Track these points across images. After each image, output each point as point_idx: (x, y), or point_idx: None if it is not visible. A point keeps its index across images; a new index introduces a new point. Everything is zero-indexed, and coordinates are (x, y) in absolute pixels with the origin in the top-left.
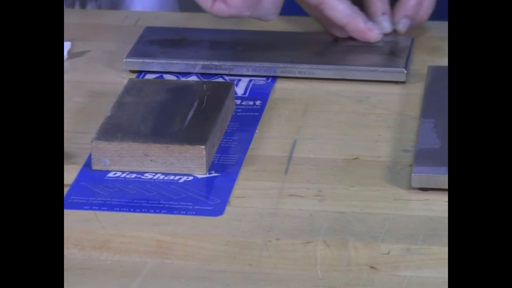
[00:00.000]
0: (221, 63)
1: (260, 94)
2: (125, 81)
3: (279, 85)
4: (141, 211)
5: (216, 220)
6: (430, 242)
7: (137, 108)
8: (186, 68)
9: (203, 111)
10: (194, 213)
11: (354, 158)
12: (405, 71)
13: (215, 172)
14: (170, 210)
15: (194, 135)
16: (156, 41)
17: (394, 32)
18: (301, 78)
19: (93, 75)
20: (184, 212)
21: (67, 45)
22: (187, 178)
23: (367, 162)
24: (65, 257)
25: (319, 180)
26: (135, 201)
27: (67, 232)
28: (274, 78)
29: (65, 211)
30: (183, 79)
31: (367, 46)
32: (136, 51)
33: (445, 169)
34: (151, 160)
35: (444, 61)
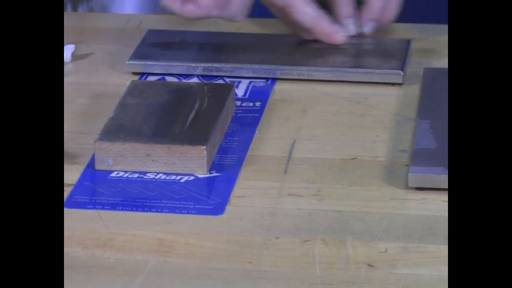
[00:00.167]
0: (222, 65)
1: (259, 96)
2: (127, 83)
3: (279, 86)
4: (143, 210)
5: (217, 219)
6: (426, 240)
7: (140, 109)
8: (188, 70)
9: (204, 112)
10: (195, 212)
11: (352, 158)
12: (402, 73)
13: (216, 172)
14: (172, 209)
15: (195, 135)
16: (158, 43)
17: (360, 34)
18: (300, 80)
19: (96, 77)
20: (186, 211)
21: (71, 48)
22: (189, 178)
23: (364, 162)
24: (68, 256)
25: (318, 180)
26: (138, 200)
27: (70, 231)
28: (274, 80)
29: (69, 210)
30: (184, 81)
31: (364, 49)
32: (138, 54)
33: (441, 169)
34: (153, 160)
35: (439, 63)
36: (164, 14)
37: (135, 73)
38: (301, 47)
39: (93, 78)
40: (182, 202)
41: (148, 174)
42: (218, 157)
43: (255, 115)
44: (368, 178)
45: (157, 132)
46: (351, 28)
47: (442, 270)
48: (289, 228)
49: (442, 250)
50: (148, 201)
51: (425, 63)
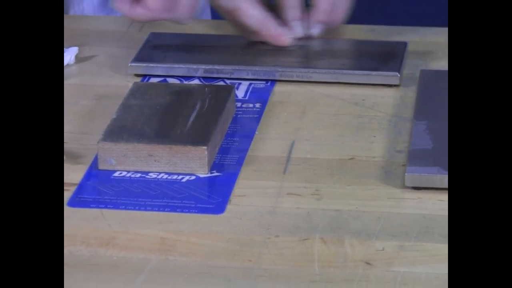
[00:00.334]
0: (222, 67)
1: (259, 97)
2: (130, 85)
3: (278, 88)
4: (145, 209)
5: (218, 218)
6: (423, 239)
7: (142, 110)
8: (189, 72)
9: (205, 113)
10: (196, 211)
11: (350, 159)
12: (399, 75)
13: (217, 172)
14: (174, 209)
15: (197, 136)
16: (160, 46)
17: (308, 36)
18: (299, 82)
19: (99, 79)
20: (187, 211)
21: (74, 50)
22: (190, 177)
23: (362, 162)
24: (72, 254)
25: (316, 179)
26: (140, 199)
27: (74, 230)
28: (273, 81)
29: (72, 209)
30: (186, 82)
31: (362, 51)
32: (141, 56)
33: (437, 169)
34: (155, 160)
35: (436, 65)
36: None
37: (137, 75)
38: (300, 50)
39: (96, 80)
40: (183, 201)
41: (150, 174)
42: (219, 157)
43: (255, 116)
44: (366, 178)
45: (159, 132)
46: (298, 30)
47: (438, 268)
48: (288, 227)
49: (438, 248)
50: (150, 200)
51: (422, 65)
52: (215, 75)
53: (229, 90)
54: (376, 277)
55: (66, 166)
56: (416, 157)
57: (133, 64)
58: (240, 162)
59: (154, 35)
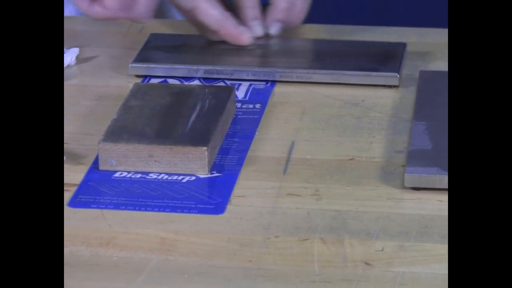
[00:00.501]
0: (223, 68)
1: (259, 98)
2: (130, 85)
3: (278, 89)
4: (146, 210)
5: (218, 218)
6: (422, 239)
7: (142, 111)
8: (189, 73)
9: (205, 114)
10: (196, 211)
11: (350, 159)
12: (398, 76)
13: (217, 172)
14: (174, 209)
15: (197, 137)
16: (160, 47)
17: (267, 35)
18: (299, 83)
19: (100, 79)
20: (187, 211)
21: (75, 51)
22: (190, 178)
23: (362, 162)
24: (72, 254)
25: (316, 180)
26: (140, 200)
27: (74, 230)
28: (273, 82)
29: (73, 210)
30: (186, 83)
31: (362, 52)
32: (141, 57)
33: (436, 169)
34: (155, 161)
35: (435, 66)
36: (166, 19)
37: (138, 76)
38: (300, 51)
39: (97, 81)
40: (183, 202)
41: (151, 174)
42: (219, 158)
43: (255, 116)
44: (365, 178)
45: (160, 133)
46: (257, 29)
47: (438, 268)
48: (288, 227)
49: (437, 248)
50: (150, 200)
51: (421, 66)
52: (215, 76)
53: (229, 90)
54: (376, 277)
55: (67, 166)
56: (415, 158)
57: (133, 65)
58: (240, 163)
59: (154, 36)
